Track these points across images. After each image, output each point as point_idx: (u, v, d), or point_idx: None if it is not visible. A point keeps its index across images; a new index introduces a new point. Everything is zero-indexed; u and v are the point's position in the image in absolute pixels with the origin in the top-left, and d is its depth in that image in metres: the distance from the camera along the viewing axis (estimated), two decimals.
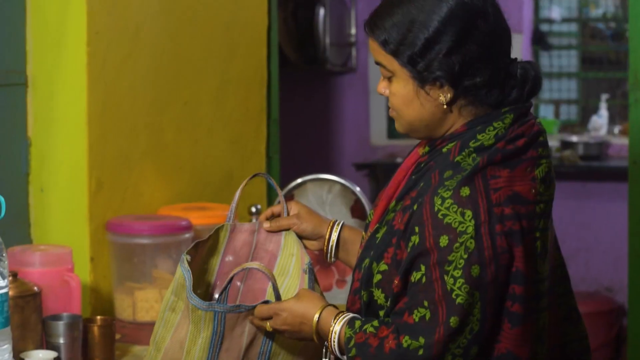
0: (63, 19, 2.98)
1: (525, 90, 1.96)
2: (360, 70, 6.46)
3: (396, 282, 1.88)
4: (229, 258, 2.22)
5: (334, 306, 1.98)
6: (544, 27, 6.97)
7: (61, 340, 2.43)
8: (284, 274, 2.23)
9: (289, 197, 3.34)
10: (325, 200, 3.31)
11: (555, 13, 7.02)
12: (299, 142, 6.29)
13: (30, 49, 3.02)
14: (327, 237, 2.21)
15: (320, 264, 3.40)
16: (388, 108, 2.01)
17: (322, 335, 1.95)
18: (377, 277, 1.92)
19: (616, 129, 6.66)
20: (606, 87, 6.98)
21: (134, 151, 3.20)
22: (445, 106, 1.92)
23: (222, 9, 3.65)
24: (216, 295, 2.15)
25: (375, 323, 1.87)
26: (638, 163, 3.60)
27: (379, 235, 1.96)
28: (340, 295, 3.31)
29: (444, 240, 1.81)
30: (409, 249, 1.86)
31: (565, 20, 7.07)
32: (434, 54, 1.88)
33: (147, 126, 3.26)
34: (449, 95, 1.91)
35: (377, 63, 1.97)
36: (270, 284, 2.08)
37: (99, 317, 2.58)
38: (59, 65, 3.00)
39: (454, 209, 1.82)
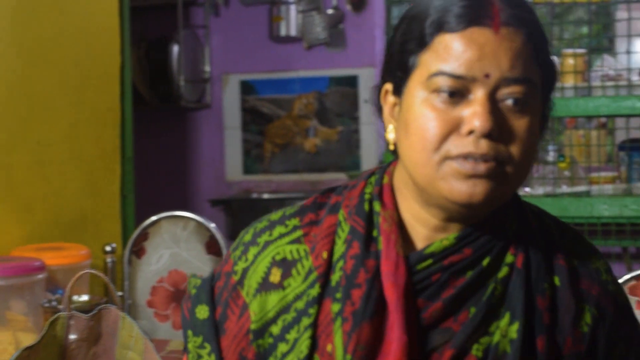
0: None
1: None
2: (214, 106, 6.48)
3: None
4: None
5: None
6: None
7: None
8: None
9: (144, 235, 3.34)
10: (180, 237, 3.32)
11: None
12: (155, 180, 6.28)
13: None
14: None
15: None
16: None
17: None
18: None
19: None
20: None
21: None
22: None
23: (73, 46, 3.64)
24: None
25: None
26: None
27: None
28: None
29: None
30: None
31: None
32: None
33: None
34: None
35: (518, 80, 1.23)
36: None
37: None
38: None
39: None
